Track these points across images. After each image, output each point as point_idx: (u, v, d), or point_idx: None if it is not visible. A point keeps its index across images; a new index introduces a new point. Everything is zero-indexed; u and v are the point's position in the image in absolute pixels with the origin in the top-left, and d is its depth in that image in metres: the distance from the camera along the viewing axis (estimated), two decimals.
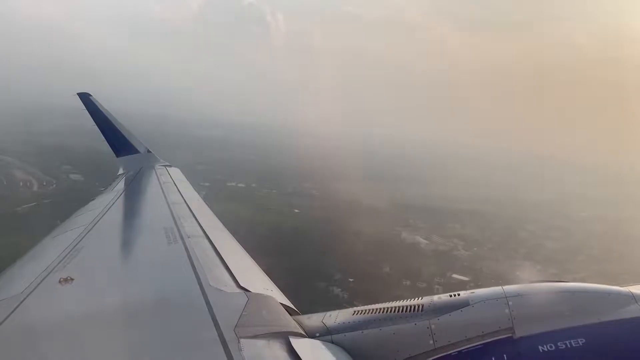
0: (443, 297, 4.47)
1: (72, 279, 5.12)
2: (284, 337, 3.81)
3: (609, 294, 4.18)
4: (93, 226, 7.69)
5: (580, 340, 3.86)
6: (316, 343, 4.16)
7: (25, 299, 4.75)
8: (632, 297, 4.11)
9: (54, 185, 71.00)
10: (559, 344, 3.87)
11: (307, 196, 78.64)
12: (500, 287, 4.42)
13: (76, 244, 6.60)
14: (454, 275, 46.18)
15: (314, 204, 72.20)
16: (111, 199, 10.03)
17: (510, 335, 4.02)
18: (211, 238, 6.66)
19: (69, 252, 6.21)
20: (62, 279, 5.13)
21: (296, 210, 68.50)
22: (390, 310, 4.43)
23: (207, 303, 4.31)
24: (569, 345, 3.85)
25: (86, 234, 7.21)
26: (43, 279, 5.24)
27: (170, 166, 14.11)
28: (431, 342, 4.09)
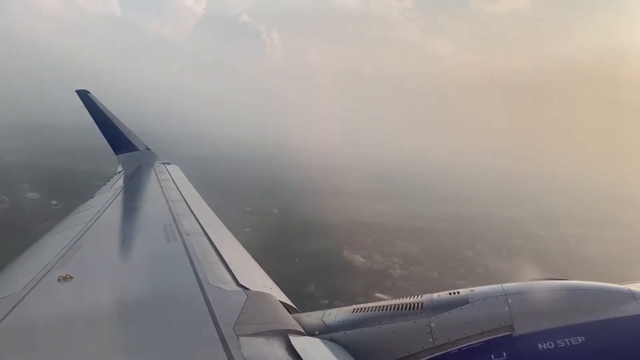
0: (442, 295, 4.42)
1: (71, 277, 5.01)
2: (284, 335, 3.74)
3: (608, 291, 4.16)
4: (92, 224, 7.49)
5: (580, 338, 3.84)
6: (315, 341, 4.07)
7: (24, 296, 4.62)
8: (632, 295, 4.09)
9: (6, 204, 72.15)
10: (558, 341, 3.85)
11: (264, 214, 78.24)
12: (499, 285, 4.37)
13: (75, 242, 6.43)
14: (377, 294, 45.47)
15: (267, 222, 72.59)
16: (110, 196, 9.80)
17: (509, 333, 3.99)
18: (210, 236, 6.52)
19: (68, 250, 6.05)
20: (61, 277, 5.01)
21: (247, 229, 69.10)
22: (390, 308, 4.37)
23: (207, 301, 4.24)
24: (568, 343, 3.83)
25: (85, 231, 7.01)
26: (42, 277, 5.11)
27: (169, 164, 13.94)
28: (431, 339, 4.04)
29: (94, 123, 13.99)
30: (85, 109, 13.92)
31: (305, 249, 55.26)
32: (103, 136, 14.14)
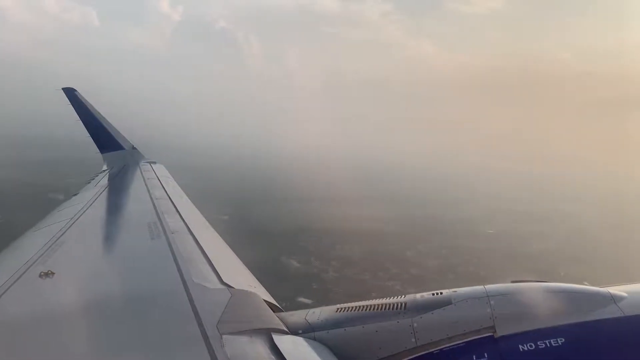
0: (426, 296, 4.37)
1: (52, 273, 4.86)
2: (267, 334, 3.66)
3: (588, 294, 4.16)
4: (75, 220, 7.28)
5: (560, 340, 3.83)
6: (298, 340, 3.99)
7: (4, 292, 4.44)
8: (611, 298, 4.09)
9: None
10: (539, 343, 3.84)
11: (212, 221, 79.13)
12: (482, 287, 4.33)
13: (58, 238, 6.22)
14: (300, 299, 48.27)
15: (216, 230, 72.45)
16: (94, 193, 9.57)
17: (491, 334, 3.97)
18: (195, 234, 6.40)
19: (50, 246, 5.85)
20: (42, 273, 4.85)
21: None
22: (374, 308, 4.30)
23: (190, 299, 4.12)
24: (548, 345, 3.82)
25: (68, 228, 6.80)
26: (23, 273, 4.92)
27: (154, 163, 13.81)
28: (413, 340, 3.99)
29: (80, 121, 13.92)
30: (72, 106, 13.90)
31: (242, 256, 55.45)
32: (89, 134, 14.04)
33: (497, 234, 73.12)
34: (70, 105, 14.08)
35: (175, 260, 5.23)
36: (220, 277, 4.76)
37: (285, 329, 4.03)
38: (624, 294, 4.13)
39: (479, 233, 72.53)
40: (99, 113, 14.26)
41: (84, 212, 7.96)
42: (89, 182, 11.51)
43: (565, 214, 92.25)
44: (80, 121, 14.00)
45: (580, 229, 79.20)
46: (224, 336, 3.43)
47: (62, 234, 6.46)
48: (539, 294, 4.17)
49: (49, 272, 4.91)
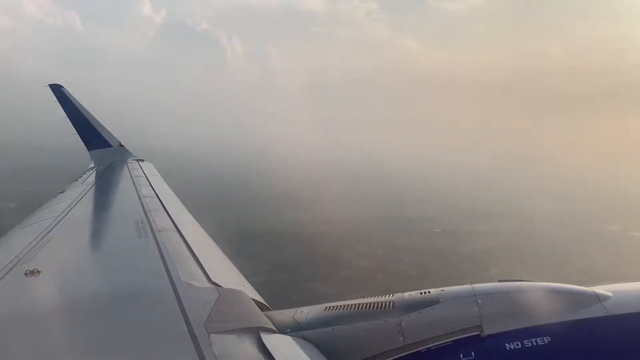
0: (414, 294, 4.41)
1: (38, 271, 4.81)
2: (255, 333, 3.66)
3: (574, 293, 4.24)
4: (62, 218, 7.24)
5: (546, 339, 3.89)
6: (287, 339, 4.01)
7: None
8: (597, 297, 4.17)
9: None
10: (525, 342, 3.90)
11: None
12: (469, 286, 4.37)
13: (44, 236, 6.18)
14: None
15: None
16: (81, 191, 9.49)
17: (478, 333, 4.03)
18: (183, 232, 6.36)
19: (36, 244, 5.81)
20: (28, 271, 4.80)
21: None
22: (362, 307, 4.34)
23: (178, 298, 4.10)
24: (534, 344, 3.88)
25: (55, 225, 6.76)
26: (9, 270, 4.90)
27: (142, 160, 13.77)
28: (401, 338, 4.03)
29: (67, 118, 13.90)
30: (59, 103, 13.92)
31: None
32: (76, 131, 14.00)
33: (444, 233, 73.04)
34: (55, 104, 14.20)
35: (162, 258, 5.21)
36: (208, 275, 4.77)
37: (274, 328, 4.04)
38: (609, 294, 4.21)
39: (425, 232, 72.37)
40: (86, 110, 14.22)
41: (71, 209, 7.92)
42: (76, 180, 11.44)
43: (527, 212, 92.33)
44: (67, 118, 14.04)
45: (534, 227, 79.47)
46: (211, 335, 3.42)
47: (49, 232, 6.43)
48: (526, 293, 4.24)
49: (35, 270, 4.87)
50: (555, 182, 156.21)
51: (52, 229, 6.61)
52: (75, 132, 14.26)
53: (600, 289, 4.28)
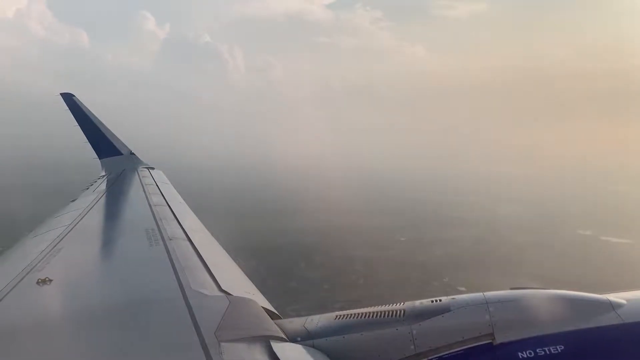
0: (425, 303, 4.38)
1: (50, 280, 4.85)
2: (265, 341, 3.67)
3: (587, 301, 4.18)
4: (73, 227, 7.32)
5: (559, 347, 3.84)
6: (297, 347, 4.00)
7: (2, 299, 4.44)
8: (610, 305, 4.11)
9: None
10: (537, 350, 3.84)
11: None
12: (481, 294, 4.32)
13: (56, 244, 6.24)
14: None
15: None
16: (92, 200, 9.62)
17: (490, 341, 3.99)
18: (193, 240, 6.40)
19: (48, 252, 5.87)
20: (40, 280, 4.84)
21: None
22: (373, 315, 4.32)
23: (188, 306, 4.12)
24: (547, 352, 3.83)
25: (66, 234, 6.82)
26: (21, 279, 4.93)
27: (152, 168, 13.90)
28: (412, 347, 4.01)
29: (78, 126, 14.11)
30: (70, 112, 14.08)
31: None
32: (87, 140, 14.22)
33: (407, 242, 72.71)
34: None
35: (173, 267, 5.23)
36: (218, 284, 4.78)
37: (284, 337, 4.05)
38: (623, 301, 4.15)
39: (389, 241, 72.16)
40: (97, 118, 14.47)
41: (82, 218, 8.00)
42: (87, 188, 11.60)
43: (499, 217, 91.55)
44: (79, 127, 14.26)
45: (501, 232, 78.66)
46: (222, 343, 3.44)
47: (60, 240, 6.49)
48: (538, 301, 4.19)
49: (47, 279, 4.90)
50: (552, 185, 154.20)
51: (63, 237, 6.68)
52: (86, 140, 14.56)
53: (614, 297, 4.21)
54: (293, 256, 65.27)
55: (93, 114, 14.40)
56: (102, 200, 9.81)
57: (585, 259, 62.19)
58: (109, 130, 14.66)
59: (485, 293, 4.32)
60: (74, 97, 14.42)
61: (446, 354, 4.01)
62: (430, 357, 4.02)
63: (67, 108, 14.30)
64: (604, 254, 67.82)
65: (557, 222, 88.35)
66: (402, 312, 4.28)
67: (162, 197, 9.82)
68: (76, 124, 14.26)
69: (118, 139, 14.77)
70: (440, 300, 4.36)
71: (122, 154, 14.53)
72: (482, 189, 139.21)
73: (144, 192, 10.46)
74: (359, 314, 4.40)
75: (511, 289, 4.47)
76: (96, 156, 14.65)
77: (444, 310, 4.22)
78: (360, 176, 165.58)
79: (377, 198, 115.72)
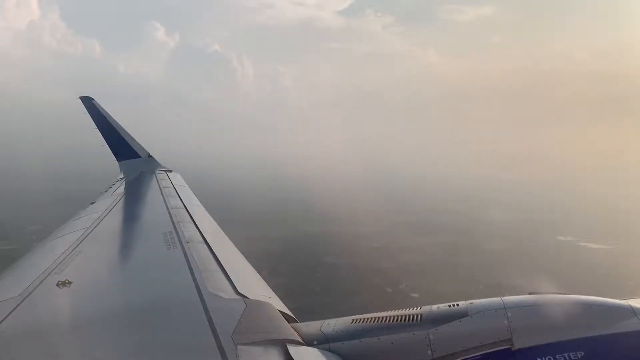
0: (442, 307, 4.34)
1: (70, 282, 4.91)
2: (282, 345, 3.69)
3: (608, 306, 4.12)
4: (92, 229, 7.43)
5: (579, 353, 3.79)
6: (313, 351, 4.01)
7: (22, 301, 4.50)
8: (632, 311, 4.05)
9: None
10: (557, 356, 3.80)
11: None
12: (499, 298, 4.29)
13: (75, 247, 6.34)
14: None
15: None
16: (111, 202, 9.77)
17: (508, 346, 3.95)
18: (210, 243, 6.46)
19: (67, 255, 5.95)
20: (60, 282, 4.90)
21: None
22: (389, 320, 4.31)
23: (205, 309, 4.16)
24: (567, 358, 3.79)
25: (85, 237, 6.93)
26: (41, 282, 4.99)
27: (170, 171, 14.13)
28: (429, 352, 3.99)
29: (97, 129, 14.37)
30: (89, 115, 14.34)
31: None
32: (105, 143, 14.49)
33: (380, 248, 72.47)
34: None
35: (190, 270, 5.29)
36: (235, 287, 4.82)
37: (300, 340, 4.06)
38: None
39: (363, 248, 71.93)
40: (116, 121, 14.72)
41: (101, 221, 8.14)
42: (106, 191, 11.82)
43: (481, 223, 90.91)
44: (97, 130, 14.53)
45: (478, 239, 78.13)
46: (238, 347, 3.47)
47: (80, 243, 6.61)
48: (557, 306, 4.14)
49: (66, 281, 4.97)
50: (547, 189, 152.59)
51: (82, 240, 6.80)
52: (105, 143, 14.81)
53: (635, 302, 4.16)
54: (261, 263, 64.91)
55: (111, 117, 14.66)
56: (120, 204, 9.95)
57: (560, 266, 61.60)
58: (127, 133, 14.87)
59: (503, 298, 4.28)
60: (93, 101, 14.76)
61: (464, 359, 3.99)
62: None
63: (86, 111, 14.64)
64: (581, 260, 67.17)
65: (540, 227, 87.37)
66: (419, 316, 4.28)
67: (179, 200, 9.95)
68: (95, 127, 14.58)
69: (136, 142, 14.96)
70: (457, 305, 4.33)
71: (140, 157, 14.69)
72: (472, 194, 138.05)
73: (162, 194, 10.58)
74: (375, 318, 4.40)
75: (529, 293, 4.42)
76: (115, 159, 14.94)
77: (461, 315, 4.19)
78: (360, 178, 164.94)
79: (371, 203, 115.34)
